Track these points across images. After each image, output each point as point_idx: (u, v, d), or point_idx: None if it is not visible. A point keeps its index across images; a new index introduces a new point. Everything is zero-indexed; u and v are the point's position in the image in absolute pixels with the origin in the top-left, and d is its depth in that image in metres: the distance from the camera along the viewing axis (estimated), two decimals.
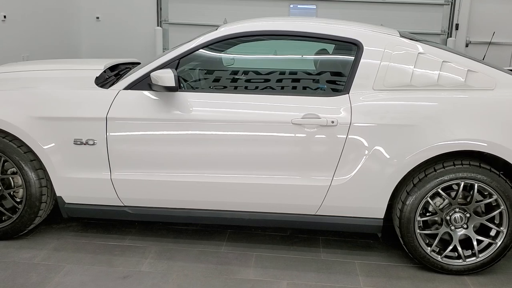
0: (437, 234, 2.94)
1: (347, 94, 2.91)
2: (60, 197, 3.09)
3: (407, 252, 3.00)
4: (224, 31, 3.03)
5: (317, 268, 2.99)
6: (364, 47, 2.95)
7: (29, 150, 3.04)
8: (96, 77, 3.20)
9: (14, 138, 3.03)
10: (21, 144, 3.04)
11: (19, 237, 3.21)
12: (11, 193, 3.12)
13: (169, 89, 2.80)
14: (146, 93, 2.97)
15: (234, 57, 3.36)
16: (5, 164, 3.09)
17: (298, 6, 9.73)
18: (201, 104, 2.93)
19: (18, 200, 3.13)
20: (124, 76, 3.13)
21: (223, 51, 3.25)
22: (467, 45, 10.13)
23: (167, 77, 2.78)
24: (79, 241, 3.21)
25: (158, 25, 9.80)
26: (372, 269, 3.01)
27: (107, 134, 2.95)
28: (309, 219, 3.04)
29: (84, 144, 2.98)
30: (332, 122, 2.84)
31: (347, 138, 2.85)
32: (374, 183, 2.88)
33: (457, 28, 10.00)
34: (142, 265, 2.95)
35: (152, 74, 2.88)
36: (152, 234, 3.34)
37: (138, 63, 4.01)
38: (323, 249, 3.23)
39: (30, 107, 2.99)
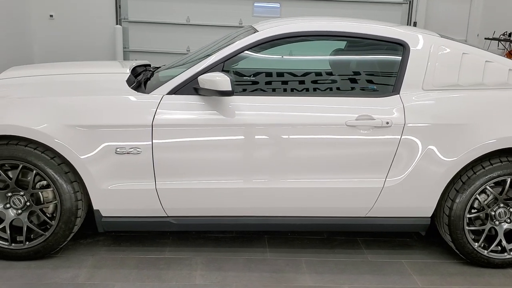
0: (483, 230, 3.01)
1: (398, 95, 2.91)
2: (98, 210, 2.89)
3: (454, 248, 3.05)
4: (270, 31, 2.94)
5: (370, 270, 2.98)
6: (411, 48, 2.96)
7: (63, 162, 2.81)
8: (126, 81, 3.01)
9: (46, 149, 2.79)
10: (54, 155, 2.80)
11: (49, 255, 2.96)
12: (42, 208, 2.88)
13: (224, 93, 2.68)
14: (193, 97, 2.83)
15: (280, 58, 3.27)
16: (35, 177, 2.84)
17: (262, 4, 9.71)
18: (253, 107, 2.83)
19: (48, 215, 2.89)
20: (161, 80, 2.97)
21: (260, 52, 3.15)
22: None
23: (223, 81, 2.65)
24: (116, 256, 3.01)
25: (117, 23, 9.43)
26: (422, 267, 3.04)
27: (153, 141, 2.78)
28: (359, 221, 3.02)
29: (127, 153, 2.79)
30: (387, 123, 2.83)
31: (401, 139, 2.86)
32: (425, 183, 2.90)
33: (415, 26, 10.37)
34: (195, 278, 2.81)
35: (201, 78, 2.75)
36: (191, 244, 3.19)
37: (148, 65, 3.83)
38: (366, 250, 3.22)
39: (65, 115, 2.77)
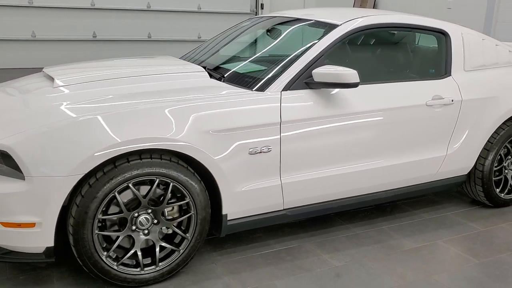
0: (500, 179, 3.82)
1: (450, 76, 3.47)
2: (226, 214, 2.82)
3: (482, 196, 3.79)
4: (363, 21, 3.19)
5: (438, 225, 3.54)
6: (451, 35, 3.53)
7: (195, 171, 2.67)
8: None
9: (178, 159, 2.61)
10: (187, 164, 2.64)
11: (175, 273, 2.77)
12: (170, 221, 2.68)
13: (350, 85, 2.86)
14: (307, 91, 2.94)
15: (357, 48, 3.49)
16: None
17: None
18: (360, 95, 3.07)
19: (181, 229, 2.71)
20: (271, 77, 2.98)
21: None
22: None
23: (350, 73, 2.83)
24: (235, 258, 2.97)
25: None
26: (466, 216, 3.72)
27: (281, 138, 2.83)
28: (424, 186, 3.53)
29: (260, 152, 2.78)
30: (452, 100, 3.38)
31: (459, 113, 3.44)
32: (472, 148, 3.56)
33: (262, 7, 11.20)
34: (328, 261, 2.98)
35: (319, 72, 2.87)
36: (281, 234, 3.30)
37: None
38: (415, 210, 3.77)
39: (199, 121, 2.62)
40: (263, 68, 3.10)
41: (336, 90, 3.01)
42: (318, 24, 3.32)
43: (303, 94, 2.92)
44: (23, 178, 2.35)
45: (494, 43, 3.75)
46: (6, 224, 2.39)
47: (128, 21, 9.00)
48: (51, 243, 2.44)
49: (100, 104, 2.58)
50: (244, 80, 3.02)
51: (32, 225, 2.38)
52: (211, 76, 3.12)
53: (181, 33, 9.62)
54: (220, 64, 3.38)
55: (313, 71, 2.90)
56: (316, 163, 2.97)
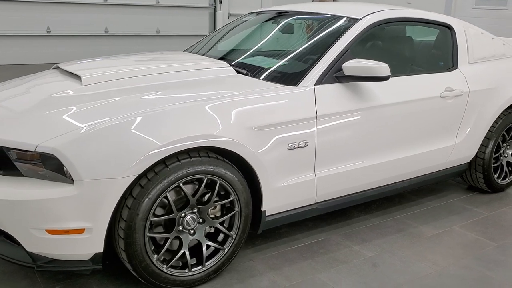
0: (497, 166, 4.02)
1: (457, 68, 3.61)
2: (265, 211, 2.80)
3: (482, 183, 3.98)
4: (381, 15, 3.28)
5: (448, 212, 3.69)
6: (455, 29, 3.68)
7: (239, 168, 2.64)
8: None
9: (223, 157, 2.57)
10: (231, 162, 2.60)
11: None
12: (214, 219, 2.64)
13: (382, 79, 2.91)
14: (338, 85, 2.96)
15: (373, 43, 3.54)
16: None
17: None
18: (386, 89, 3.13)
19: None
20: (299, 72, 2.98)
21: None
22: (228, 17, 11.48)
23: (382, 67, 2.88)
24: (270, 254, 2.96)
25: None
26: (469, 201, 3.90)
27: (316, 132, 2.84)
28: (433, 175, 3.66)
29: (297, 147, 2.79)
30: (461, 92, 3.52)
31: (467, 104, 3.59)
32: (476, 137, 3.73)
33: (221, 2, 11.18)
34: (360, 252, 3.04)
35: (349, 66, 2.90)
36: (312, 226, 3.32)
37: None
38: (420, 199, 3.91)
39: (242, 117, 2.58)
40: (288, 63, 3.10)
41: (362, 83, 3.05)
42: (335, 18, 3.35)
43: (334, 88, 2.94)
44: (70, 181, 2.23)
45: (491, 37, 3.93)
46: (52, 232, 2.26)
47: (138, 16, 9.34)
48: (100, 248, 2.33)
49: (141, 102, 2.48)
50: (273, 75, 3.01)
51: (81, 231, 2.27)
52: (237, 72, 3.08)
53: (190, 29, 10.00)
54: (240, 59, 3.33)
55: (344, 64, 2.92)
56: (346, 156, 3.01)
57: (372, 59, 2.94)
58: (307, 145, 2.81)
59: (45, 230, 2.25)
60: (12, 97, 2.72)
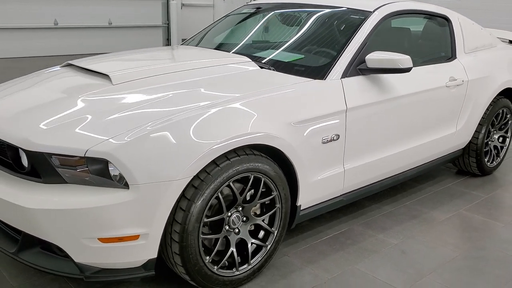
0: (487, 150, 4.25)
1: (456, 58, 3.76)
2: (299, 206, 2.81)
3: (474, 167, 4.19)
4: (391, 7, 3.34)
5: (450, 197, 3.85)
6: (452, 20, 3.82)
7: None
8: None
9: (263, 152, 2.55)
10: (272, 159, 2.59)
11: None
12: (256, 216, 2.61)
13: (404, 70, 2.97)
14: (362, 78, 3.00)
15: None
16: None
17: None
18: (403, 80, 3.21)
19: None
20: (325, 65, 2.99)
21: None
22: (181, 8, 11.32)
23: (405, 59, 2.94)
24: (301, 248, 2.97)
25: None
26: (465, 185, 4.09)
27: (346, 125, 2.88)
28: (437, 161, 3.81)
29: (330, 140, 2.81)
30: (462, 81, 3.67)
31: (466, 92, 3.75)
32: (472, 123, 3.91)
33: None
34: (386, 241, 3.11)
35: (372, 58, 2.94)
36: (330, 218, 3.36)
37: None
38: (420, 185, 4.05)
39: (281, 113, 2.56)
40: (309, 56, 3.10)
41: (381, 75, 3.10)
42: (348, 11, 3.38)
43: (358, 80, 2.98)
44: (121, 186, 2.13)
45: (480, 27, 4.12)
46: (105, 240, 2.15)
47: (142, 8, 9.25)
48: (154, 254, 2.25)
49: (183, 101, 2.40)
50: (296, 69, 2.99)
51: (136, 237, 2.17)
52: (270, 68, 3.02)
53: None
54: (255, 53, 3.29)
55: (367, 57, 2.96)
56: (372, 147, 3.07)
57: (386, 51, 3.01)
58: (338, 138, 2.83)
59: (98, 239, 2.14)
60: (38, 100, 2.54)
